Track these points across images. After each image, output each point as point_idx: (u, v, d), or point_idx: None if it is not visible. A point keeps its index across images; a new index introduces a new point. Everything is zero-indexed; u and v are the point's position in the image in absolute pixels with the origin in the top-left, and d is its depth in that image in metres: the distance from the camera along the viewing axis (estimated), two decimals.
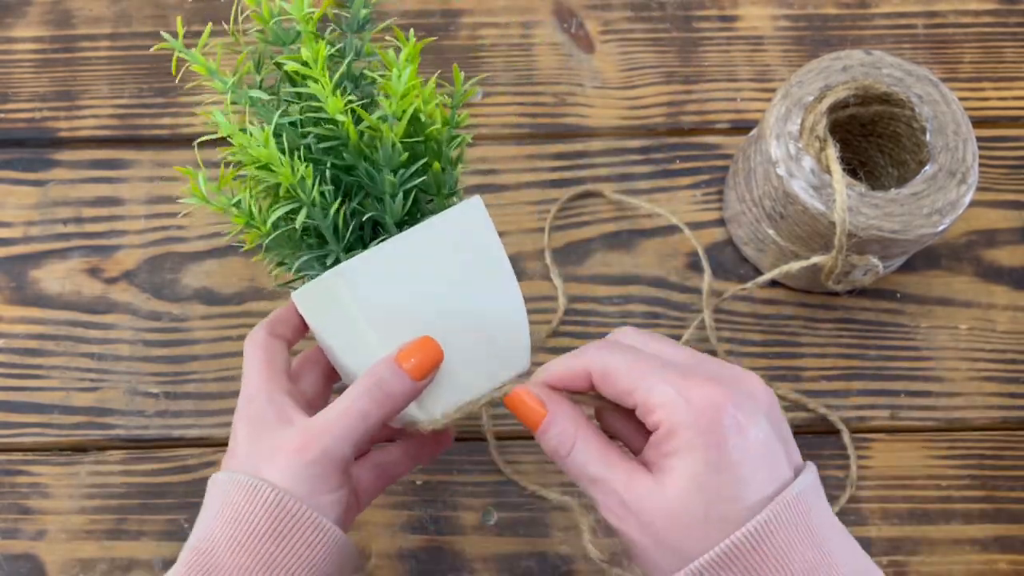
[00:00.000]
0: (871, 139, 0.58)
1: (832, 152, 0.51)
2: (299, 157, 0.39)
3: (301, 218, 0.39)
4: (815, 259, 0.52)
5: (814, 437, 0.56)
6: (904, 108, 0.54)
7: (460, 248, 0.41)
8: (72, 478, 0.54)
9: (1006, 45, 0.66)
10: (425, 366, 0.39)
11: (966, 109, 0.54)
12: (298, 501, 0.37)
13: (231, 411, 0.55)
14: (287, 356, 0.43)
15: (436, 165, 0.41)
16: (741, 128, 0.63)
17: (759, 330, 0.58)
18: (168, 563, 0.52)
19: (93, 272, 0.59)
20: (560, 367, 0.38)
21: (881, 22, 0.66)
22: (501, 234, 0.59)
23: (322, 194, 0.40)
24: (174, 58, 0.40)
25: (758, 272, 0.59)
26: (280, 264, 0.43)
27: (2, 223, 0.60)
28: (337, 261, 0.41)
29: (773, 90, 0.64)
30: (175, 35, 0.39)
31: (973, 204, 0.60)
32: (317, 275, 0.40)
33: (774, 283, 0.59)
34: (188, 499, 0.54)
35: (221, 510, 0.37)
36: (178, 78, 0.59)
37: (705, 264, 0.58)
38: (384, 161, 0.40)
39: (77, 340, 0.57)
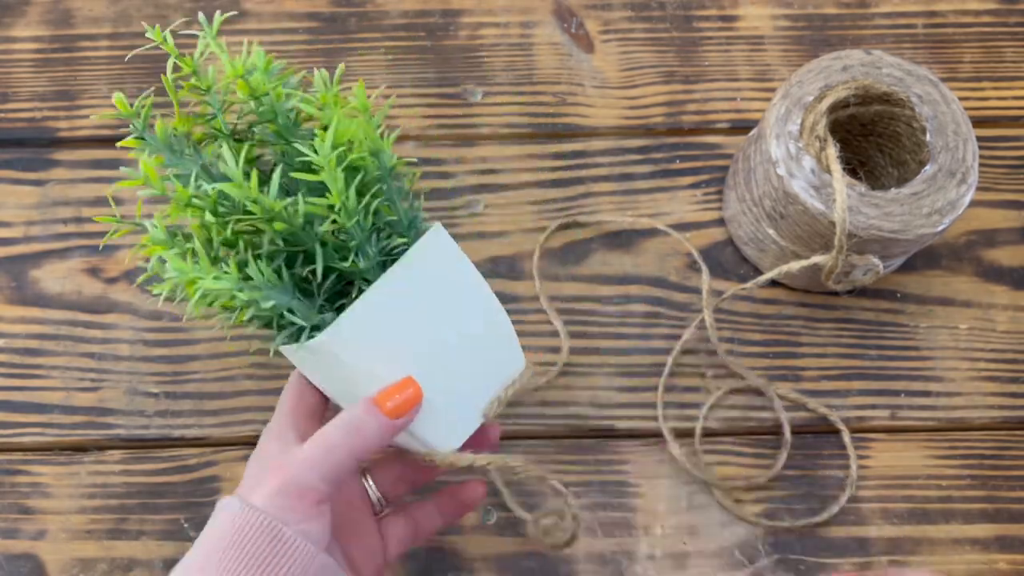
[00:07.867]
0: (871, 139, 0.58)
1: (832, 152, 0.51)
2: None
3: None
4: (815, 259, 0.52)
5: (814, 437, 0.56)
6: (904, 108, 0.54)
7: (437, 277, 0.42)
8: (72, 478, 0.54)
9: (1006, 45, 0.66)
10: (404, 407, 0.41)
11: (966, 109, 0.54)
12: (263, 515, 0.38)
13: (231, 411, 0.56)
14: (316, 391, 0.45)
15: (386, 209, 0.42)
16: (741, 128, 0.63)
17: (759, 330, 0.58)
18: (169, 563, 0.52)
19: (93, 272, 0.59)
20: None
21: (881, 22, 0.66)
22: (501, 234, 0.60)
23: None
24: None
25: (758, 272, 0.59)
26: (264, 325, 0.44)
27: (2, 223, 0.60)
28: (321, 311, 0.41)
29: (773, 90, 0.64)
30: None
31: (973, 204, 0.60)
32: (295, 331, 0.41)
33: (774, 283, 0.59)
34: (188, 499, 0.54)
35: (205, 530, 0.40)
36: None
37: (702, 264, 0.58)
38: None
39: (77, 340, 0.57)
